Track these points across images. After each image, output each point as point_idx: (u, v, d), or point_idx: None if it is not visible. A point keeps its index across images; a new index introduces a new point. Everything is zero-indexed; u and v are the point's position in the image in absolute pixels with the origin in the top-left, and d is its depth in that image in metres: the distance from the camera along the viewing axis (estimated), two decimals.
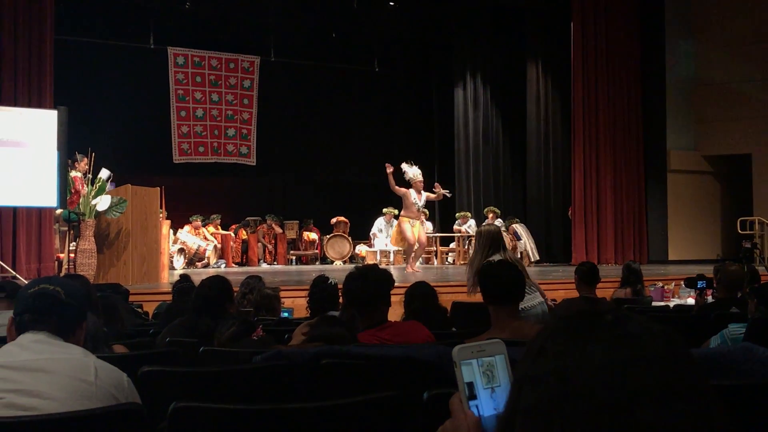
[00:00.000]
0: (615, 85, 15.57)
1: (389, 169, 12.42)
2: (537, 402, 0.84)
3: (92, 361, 2.13)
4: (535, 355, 0.88)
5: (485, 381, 1.08)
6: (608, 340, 0.84)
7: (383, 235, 16.10)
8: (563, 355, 0.85)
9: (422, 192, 12.80)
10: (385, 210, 16.27)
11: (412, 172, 12.89)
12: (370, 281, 3.62)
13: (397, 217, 14.22)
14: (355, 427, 2.18)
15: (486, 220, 15.80)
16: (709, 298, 6.14)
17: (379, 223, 16.31)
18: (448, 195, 13.42)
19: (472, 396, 1.07)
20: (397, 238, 13.11)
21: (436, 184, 13.20)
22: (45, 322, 2.17)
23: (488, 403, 1.06)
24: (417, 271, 12.71)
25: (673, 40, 15.94)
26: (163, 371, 2.66)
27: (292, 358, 2.65)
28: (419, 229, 12.85)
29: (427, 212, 17.33)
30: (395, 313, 5.47)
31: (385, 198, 15.18)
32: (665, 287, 8.50)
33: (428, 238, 17.15)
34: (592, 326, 0.87)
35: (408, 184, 12.84)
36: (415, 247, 12.90)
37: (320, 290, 4.98)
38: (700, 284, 6.28)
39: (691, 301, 7.19)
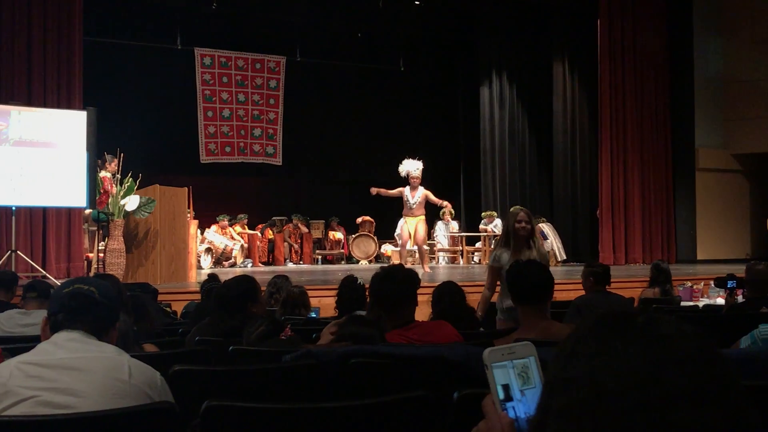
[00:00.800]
0: (642, 83, 15.45)
1: (373, 193, 12.44)
2: (569, 404, 0.83)
3: (126, 359, 2.15)
4: (566, 357, 0.87)
5: (521, 383, 1.08)
6: (640, 341, 0.84)
7: None
8: (595, 356, 0.84)
9: (418, 188, 12.42)
10: None
11: (407, 168, 12.60)
12: (397, 281, 3.62)
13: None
14: (385, 426, 2.19)
15: None
16: (740, 298, 6.09)
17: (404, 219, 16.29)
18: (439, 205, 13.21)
19: (508, 398, 1.07)
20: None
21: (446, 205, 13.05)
22: (80, 321, 2.19)
23: (525, 405, 1.06)
24: (427, 270, 12.49)
25: (702, 38, 15.79)
26: (194, 370, 2.68)
27: (321, 357, 2.67)
28: (417, 227, 12.50)
29: (453, 211, 17.33)
30: (422, 312, 5.47)
31: None
32: (694, 287, 8.44)
33: (454, 237, 17.16)
34: (624, 328, 0.87)
35: (405, 181, 12.61)
36: (410, 246, 12.66)
37: (349, 290, 5.00)
38: (730, 284, 6.23)
39: (720, 300, 7.14)
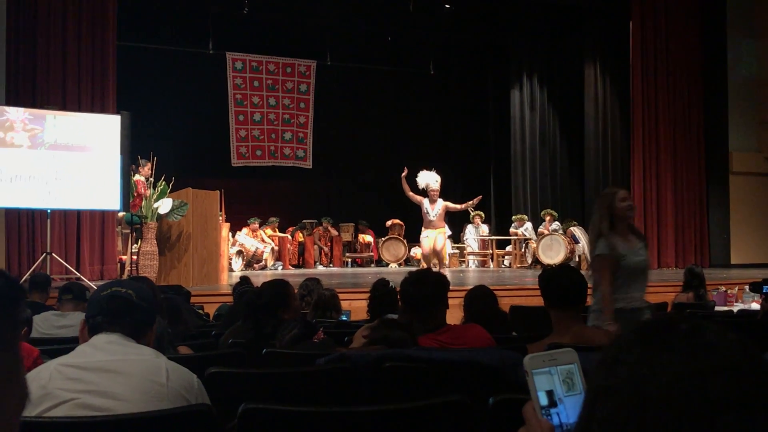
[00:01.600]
0: (675, 86, 15.31)
1: (404, 173, 12.00)
2: (613, 412, 0.83)
3: (163, 362, 2.17)
4: (609, 365, 0.87)
5: (566, 389, 1.08)
6: (684, 349, 0.83)
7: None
8: (639, 365, 0.84)
9: (438, 201, 12.12)
10: None
11: (425, 180, 12.32)
12: (427, 285, 3.62)
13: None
14: (420, 430, 2.19)
15: (543, 223, 15.67)
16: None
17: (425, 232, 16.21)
18: (471, 210, 12.68)
19: (552, 404, 1.07)
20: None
21: (478, 198, 12.47)
22: (118, 324, 2.21)
23: (569, 411, 1.06)
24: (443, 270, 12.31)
25: (735, 40, 15.62)
26: (229, 372, 2.70)
27: (355, 361, 2.68)
28: (438, 240, 12.24)
29: (483, 215, 17.28)
30: (454, 316, 5.46)
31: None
32: (728, 291, 8.34)
33: (484, 241, 17.10)
34: (667, 336, 0.86)
35: (424, 193, 12.32)
36: (433, 261, 12.46)
37: (381, 294, 5.01)
38: (765, 288, 6.17)
39: (755, 305, 7.04)
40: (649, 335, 0.87)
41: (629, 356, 0.86)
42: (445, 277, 3.85)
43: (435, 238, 12.20)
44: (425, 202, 12.15)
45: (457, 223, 16.94)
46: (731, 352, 0.83)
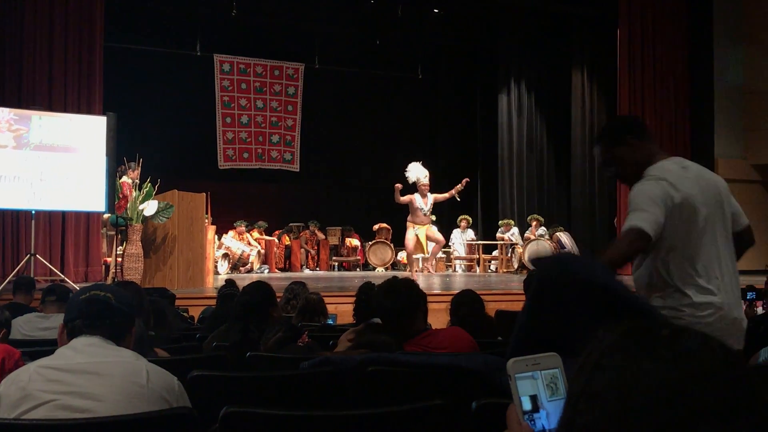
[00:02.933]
0: (662, 92, 15.37)
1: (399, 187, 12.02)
2: (595, 419, 0.82)
3: (144, 364, 2.16)
4: (590, 371, 0.86)
5: (549, 393, 1.08)
6: (667, 356, 0.83)
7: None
8: (621, 371, 0.83)
9: (428, 195, 12.24)
10: None
11: (416, 174, 12.40)
12: (400, 296, 3.58)
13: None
14: None
15: (530, 228, 15.70)
16: (759, 310, 6.04)
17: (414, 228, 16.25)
18: (457, 198, 12.68)
19: (535, 408, 1.07)
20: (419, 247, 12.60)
21: (465, 180, 12.50)
22: (97, 327, 2.21)
23: (553, 416, 1.06)
24: (430, 271, 12.38)
25: (722, 48, 15.70)
26: (212, 376, 2.69)
27: (339, 364, 2.67)
28: (429, 232, 12.45)
29: (470, 219, 17.30)
30: (441, 320, 5.47)
31: None
32: None
33: (470, 245, 17.12)
34: (649, 342, 0.85)
35: (413, 188, 12.46)
36: (424, 256, 12.56)
37: (367, 297, 4.99)
38: (749, 295, 6.19)
39: None
40: (631, 341, 0.86)
41: (611, 362, 0.85)
42: (415, 282, 3.81)
43: (426, 232, 12.30)
44: (416, 197, 12.16)
45: (444, 227, 16.92)
46: (712, 360, 0.83)
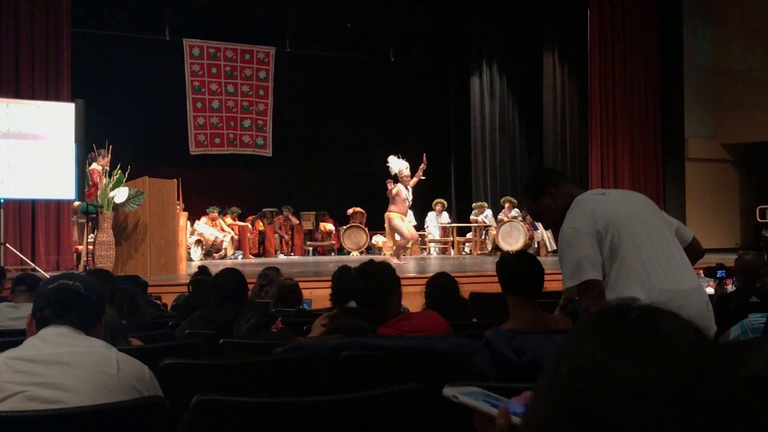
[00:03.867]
0: (632, 73, 15.47)
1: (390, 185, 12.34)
2: (563, 399, 0.80)
3: (114, 354, 2.14)
4: (557, 355, 0.85)
5: (494, 400, 1.12)
6: (625, 338, 0.80)
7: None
8: (575, 353, 0.81)
9: (409, 186, 12.49)
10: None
11: (398, 166, 12.54)
12: (374, 277, 3.60)
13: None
14: (377, 419, 2.18)
15: (503, 211, 15.76)
16: (729, 288, 6.10)
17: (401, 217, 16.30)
18: (421, 175, 12.86)
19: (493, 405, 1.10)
20: (392, 235, 12.77)
21: (424, 156, 12.77)
22: (66, 317, 2.18)
23: (514, 406, 1.08)
24: (404, 262, 12.52)
25: (692, 27, 15.81)
26: (184, 364, 2.67)
27: (312, 350, 2.66)
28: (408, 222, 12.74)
29: (445, 203, 17.35)
30: (416, 303, 5.47)
31: None
32: None
33: (444, 228, 17.17)
34: (611, 323, 0.83)
35: (395, 178, 12.59)
36: (410, 244, 12.73)
37: (343, 281, 5.00)
38: (719, 274, 6.25)
39: (710, 290, 7.14)
40: (594, 323, 0.84)
41: (569, 344, 0.83)
42: (389, 264, 3.83)
43: (409, 222, 12.51)
44: (401, 188, 12.28)
45: (419, 210, 16.94)
46: (683, 342, 0.80)
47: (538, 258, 3.92)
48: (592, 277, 2.92)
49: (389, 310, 3.54)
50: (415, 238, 12.86)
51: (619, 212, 3.07)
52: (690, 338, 0.81)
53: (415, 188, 13.05)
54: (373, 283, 3.55)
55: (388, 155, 12.98)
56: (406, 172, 12.45)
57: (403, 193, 12.32)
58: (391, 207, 12.43)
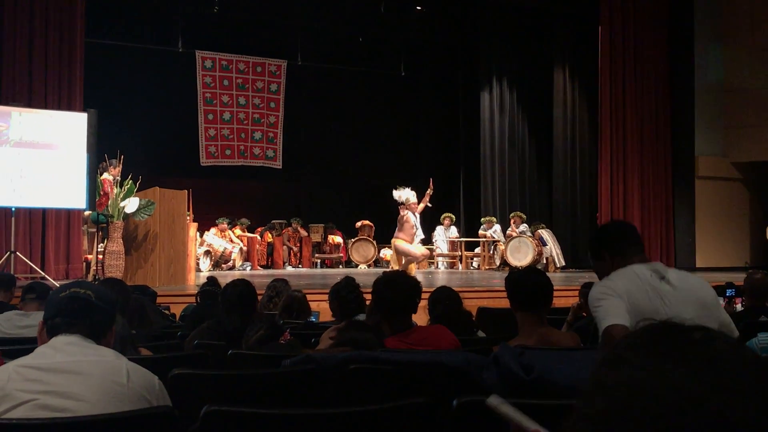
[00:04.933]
0: (643, 90, 15.46)
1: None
2: (599, 412, 0.79)
3: (124, 363, 2.15)
4: (611, 363, 0.83)
5: None
6: (692, 362, 0.77)
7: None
8: (639, 369, 0.79)
9: (417, 213, 12.34)
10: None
11: (404, 195, 12.32)
12: (403, 289, 3.61)
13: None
14: None
15: (511, 225, 15.75)
16: (738, 307, 6.08)
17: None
18: (428, 201, 12.78)
19: None
20: (398, 260, 12.52)
21: (431, 181, 12.61)
22: (77, 325, 2.19)
23: None
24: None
25: (702, 45, 15.81)
26: (193, 374, 2.68)
27: (321, 362, 2.67)
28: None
29: (453, 217, 17.34)
30: (420, 318, 5.47)
31: None
32: None
33: (453, 242, 17.16)
34: (676, 342, 0.81)
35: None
36: (420, 260, 12.66)
37: (347, 295, 5.02)
38: (729, 292, 6.23)
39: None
40: (658, 338, 0.83)
41: (632, 357, 0.81)
42: (418, 281, 3.84)
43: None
44: (411, 215, 12.19)
45: (427, 224, 16.94)
46: (741, 370, 0.77)
47: (547, 274, 3.92)
48: (619, 323, 2.64)
49: (402, 323, 3.56)
50: (425, 255, 12.70)
51: (658, 314, 2.72)
52: (751, 369, 0.78)
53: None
54: (400, 296, 3.56)
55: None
56: (413, 199, 12.27)
57: (412, 220, 12.19)
58: (399, 234, 12.28)
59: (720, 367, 0.77)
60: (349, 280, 5.24)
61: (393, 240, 12.38)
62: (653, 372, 0.77)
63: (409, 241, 12.21)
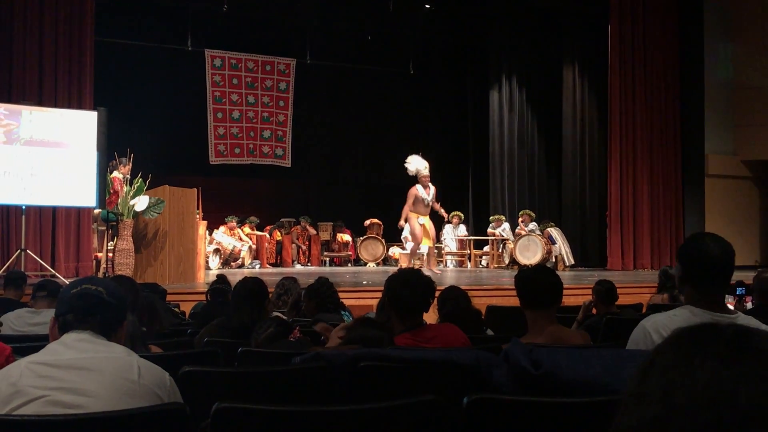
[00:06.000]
0: (653, 88, 15.41)
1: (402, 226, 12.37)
2: (639, 420, 0.77)
3: (135, 359, 2.16)
4: (644, 370, 0.81)
5: None
6: (722, 355, 0.76)
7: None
8: (671, 369, 0.78)
9: (430, 186, 12.28)
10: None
11: (416, 165, 12.35)
12: (419, 288, 3.60)
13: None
14: (394, 430, 2.18)
15: (520, 224, 15.73)
16: (748, 305, 6.06)
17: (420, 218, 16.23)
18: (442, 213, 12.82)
19: None
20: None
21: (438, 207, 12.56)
22: (88, 322, 2.19)
23: None
24: (437, 272, 12.44)
25: (712, 43, 15.74)
26: (203, 371, 2.69)
27: (331, 360, 2.67)
28: (429, 224, 12.49)
29: (462, 215, 17.33)
30: (429, 317, 5.47)
31: None
32: None
33: (462, 241, 17.15)
34: (708, 339, 0.79)
35: (413, 180, 12.46)
36: (429, 245, 12.59)
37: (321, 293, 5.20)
38: (739, 291, 6.21)
39: (729, 307, 7.10)
40: (689, 339, 0.81)
41: (663, 360, 0.80)
42: (432, 281, 3.83)
43: (429, 223, 12.34)
44: (419, 188, 12.16)
45: (435, 222, 16.93)
46: None
47: (557, 272, 3.91)
48: None
49: (414, 320, 3.55)
50: (420, 239, 12.55)
51: None
52: None
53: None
54: (417, 294, 3.56)
55: (406, 167, 12.88)
56: (425, 172, 12.26)
57: (420, 193, 12.20)
58: (411, 207, 12.37)
59: (751, 358, 0.75)
60: (323, 280, 5.37)
61: (409, 213, 12.30)
62: (684, 370, 0.76)
63: (421, 213, 12.15)
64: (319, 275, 5.60)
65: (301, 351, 2.97)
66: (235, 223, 15.94)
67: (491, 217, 16.70)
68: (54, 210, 11.28)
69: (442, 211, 12.68)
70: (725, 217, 15.58)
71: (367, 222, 17.50)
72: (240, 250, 15.58)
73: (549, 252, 14.57)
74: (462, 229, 17.30)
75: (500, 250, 16.26)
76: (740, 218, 15.82)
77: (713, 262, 2.79)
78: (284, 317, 5.07)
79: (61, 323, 2.23)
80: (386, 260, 17.25)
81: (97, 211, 11.19)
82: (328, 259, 17.73)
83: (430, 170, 12.71)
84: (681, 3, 15.73)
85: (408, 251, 13.75)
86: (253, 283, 4.34)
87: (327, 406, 2.20)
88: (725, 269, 2.82)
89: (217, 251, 14.94)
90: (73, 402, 2.00)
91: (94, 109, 10.73)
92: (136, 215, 10.44)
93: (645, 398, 0.77)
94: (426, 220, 12.41)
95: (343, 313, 5.37)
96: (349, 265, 17.54)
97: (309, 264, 17.29)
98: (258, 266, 15.84)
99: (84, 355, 2.10)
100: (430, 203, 12.34)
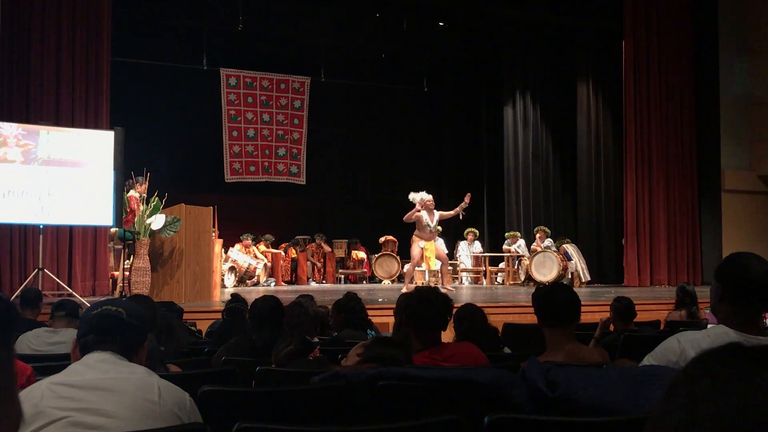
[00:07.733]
0: (668, 104, 15.38)
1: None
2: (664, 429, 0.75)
3: (156, 380, 2.16)
4: (672, 390, 0.78)
5: None
6: (757, 382, 0.72)
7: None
8: (696, 383, 0.75)
9: (434, 211, 12.41)
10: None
11: (420, 196, 12.46)
12: (437, 305, 3.60)
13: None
14: None
15: (536, 240, 15.68)
16: (767, 322, 6.00)
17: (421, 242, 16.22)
18: (462, 214, 12.79)
19: None
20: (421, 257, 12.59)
21: (468, 196, 12.45)
22: (109, 342, 2.20)
23: None
24: (451, 289, 12.45)
25: (727, 58, 15.70)
26: (223, 391, 2.69)
27: (350, 379, 2.66)
28: (436, 247, 12.65)
29: (477, 232, 17.30)
30: (446, 335, 5.46)
31: None
32: None
33: (477, 257, 17.11)
34: (742, 362, 0.76)
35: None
36: (433, 267, 12.68)
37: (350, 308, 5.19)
38: None
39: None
40: (724, 359, 0.77)
41: (689, 376, 0.77)
42: (449, 299, 3.83)
43: (434, 247, 12.37)
44: (423, 213, 12.22)
45: (450, 239, 16.92)
46: None
47: (573, 289, 3.89)
48: None
49: (432, 339, 3.55)
50: (442, 257, 12.64)
51: None
52: None
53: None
54: (433, 311, 3.56)
55: (421, 184, 12.94)
56: (426, 197, 12.37)
57: (424, 219, 12.26)
58: (416, 231, 12.49)
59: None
60: (351, 295, 5.37)
61: (413, 237, 12.48)
62: (712, 394, 0.73)
63: (425, 238, 12.24)
64: (336, 292, 5.64)
65: (320, 370, 2.96)
66: (250, 241, 15.97)
67: (506, 234, 16.67)
68: (71, 229, 11.35)
69: (461, 207, 12.59)
70: (742, 232, 15.47)
71: (382, 239, 17.50)
72: (255, 268, 15.60)
73: (565, 268, 14.51)
74: (477, 246, 17.27)
75: (516, 267, 16.21)
76: (757, 233, 15.70)
77: (756, 283, 2.75)
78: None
79: (82, 344, 2.24)
80: (401, 277, 17.22)
81: (113, 229, 11.25)
82: (343, 276, 17.73)
83: (445, 187, 12.73)
84: (695, 18, 15.71)
85: (423, 269, 13.76)
86: (272, 302, 4.35)
87: (347, 425, 2.20)
88: (766, 290, 2.80)
89: (232, 269, 14.96)
90: (95, 423, 2.01)
91: (110, 128, 10.81)
92: (153, 234, 10.48)
93: (669, 417, 0.76)
94: (430, 244, 12.47)
95: (369, 332, 5.36)
96: (364, 282, 17.53)
97: (324, 281, 17.29)
98: (273, 284, 15.85)
99: (105, 376, 2.11)
100: (434, 230, 12.53)
